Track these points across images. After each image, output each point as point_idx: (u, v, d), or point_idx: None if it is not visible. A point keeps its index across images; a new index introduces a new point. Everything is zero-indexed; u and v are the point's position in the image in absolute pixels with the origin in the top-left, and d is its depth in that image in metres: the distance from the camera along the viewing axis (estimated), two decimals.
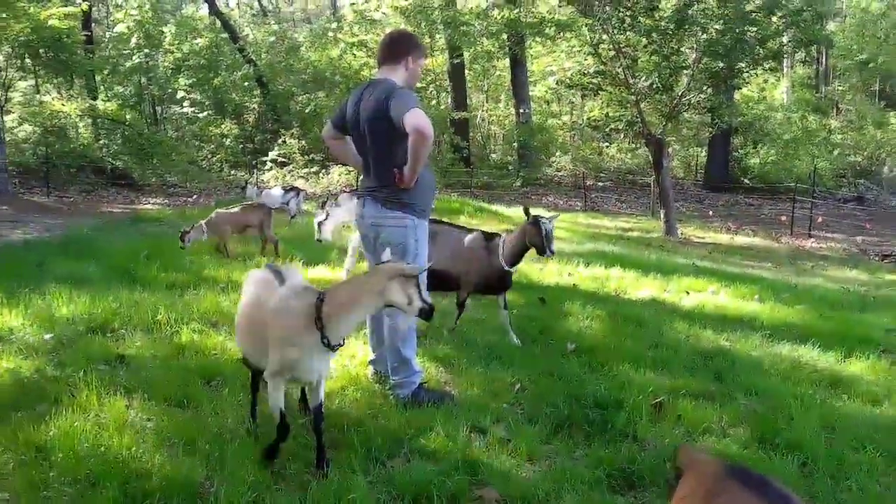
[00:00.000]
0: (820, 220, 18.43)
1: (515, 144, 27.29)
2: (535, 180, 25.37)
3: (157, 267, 8.22)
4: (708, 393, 5.14)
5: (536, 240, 5.72)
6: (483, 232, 6.19)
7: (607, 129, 17.37)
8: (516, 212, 17.22)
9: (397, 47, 4.59)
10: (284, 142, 23.09)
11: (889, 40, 34.32)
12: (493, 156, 29.31)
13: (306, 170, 21.94)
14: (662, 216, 16.09)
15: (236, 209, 10.13)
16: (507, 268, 5.90)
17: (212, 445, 3.95)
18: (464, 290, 6.11)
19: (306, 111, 23.78)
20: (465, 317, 6.72)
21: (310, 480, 3.66)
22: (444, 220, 6.90)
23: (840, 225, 19.04)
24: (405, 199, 4.57)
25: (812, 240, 16.58)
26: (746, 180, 25.23)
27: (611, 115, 17.04)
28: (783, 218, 18.65)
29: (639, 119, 16.06)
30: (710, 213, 20.77)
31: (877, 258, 14.56)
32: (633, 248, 13.18)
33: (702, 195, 24.55)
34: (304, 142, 23.29)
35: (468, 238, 6.06)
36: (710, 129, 22.89)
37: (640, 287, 8.79)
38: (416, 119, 4.13)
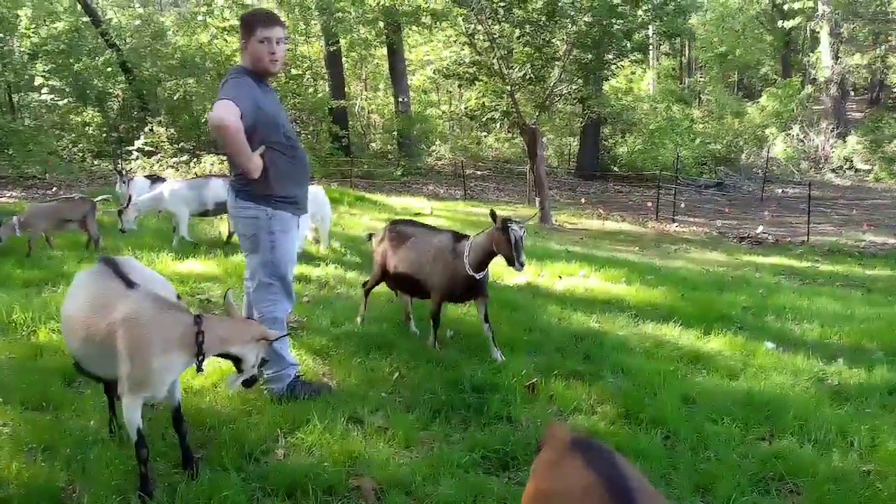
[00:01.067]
0: (683, 205, 19.50)
1: (395, 133, 27.28)
2: (415, 169, 25.46)
3: (11, 264, 7.70)
4: (578, 373, 5.34)
5: (504, 248, 5.11)
6: (454, 233, 5.69)
7: (484, 119, 17.61)
8: (398, 201, 17.26)
9: (241, 30, 4.44)
10: (152, 130, 22.08)
11: (746, 33, 36.65)
12: (373, 145, 29.19)
13: (175, 159, 21.07)
14: (538, 204, 16.53)
15: (55, 203, 9.28)
16: (471, 272, 5.29)
17: (73, 449, 3.76)
18: (434, 298, 5.57)
19: (174, 98, 22.80)
20: (346, 306, 6.68)
21: (179, 481, 3.55)
22: (424, 223, 6.39)
23: (702, 210, 20.18)
24: (256, 189, 4.38)
25: (676, 224, 17.48)
26: (616, 168, 26.33)
27: (487, 104, 17.32)
28: (649, 204, 19.56)
29: (514, 109, 16.41)
30: (583, 200, 21.52)
31: (735, 240, 15.53)
32: None
33: (574, 183, 25.40)
34: (172, 130, 22.35)
35: (436, 239, 5.63)
36: (581, 119, 23.72)
37: (515, 273, 8.97)
38: (212, 112, 4.01)
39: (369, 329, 6.04)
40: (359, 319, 6.17)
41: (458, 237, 5.54)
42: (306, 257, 8.64)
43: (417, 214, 15.49)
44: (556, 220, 16.68)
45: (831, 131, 28.67)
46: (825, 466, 4.00)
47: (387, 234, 5.93)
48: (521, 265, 5.12)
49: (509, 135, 28.01)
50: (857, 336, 6.75)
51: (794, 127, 28.74)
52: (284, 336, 4.36)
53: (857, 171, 27.67)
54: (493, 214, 5.19)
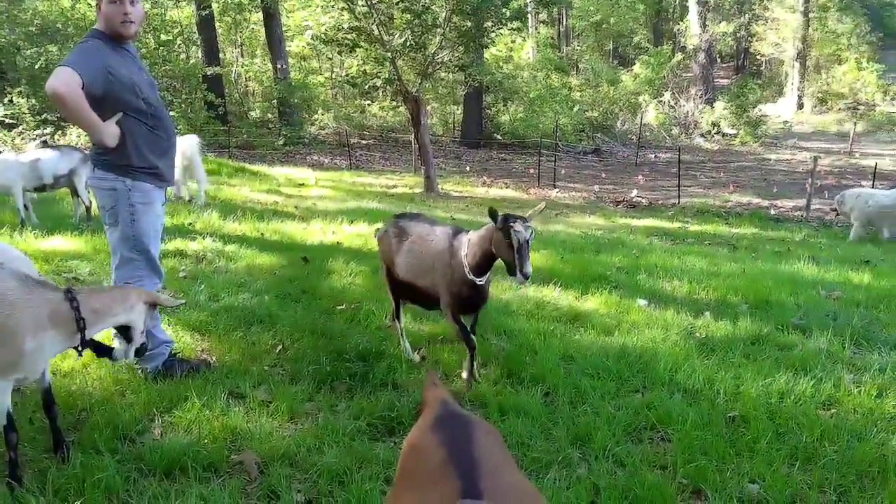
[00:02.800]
0: (563, 171, 20.03)
1: (275, 102, 26.54)
2: (297, 139, 24.90)
3: None
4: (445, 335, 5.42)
5: (504, 253, 4.11)
6: (454, 227, 4.68)
7: (366, 87, 17.40)
8: (280, 172, 16.87)
9: None
10: (11, 101, 20.56)
11: (620, 3, 37.73)
12: (252, 114, 28.29)
13: (39, 131, 19.73)
14: (424, 172, 16.56)
15: None
16: (470, 276, 4.35)
17: None
18: (446, 311, 4.56)
19: (35, 67, 21.28)
20: (225, 280, 6.49)
21: (49, 466, 3.37)
22: (429, 216, 5.21)
23: (580, 176, 20.80)
24: (114, 159, 4.15)
25: (556, 190, 17.95)
26: (499, 136, 26.66)
27: (369, 72, 17.10)
28: (531, 171, 19.97)
29: (396, 77, 16.28)
30: (468, 167, 21.73)
31: (611, 204, 16.11)
32: (397, 205, 13.45)
33: (459, 151, 25.59)
34: (34, 100, 20.89)
35: (435, 235, 4.65)
36: (464, 87, 23.84)
37: None
38: (49, 81, 3.75)
39: (250, 303, 5.90)
40: (411, 355, 5.01)
41: (455, 233, 4.58)
42: (182, 231, 8.32)
43: (301, 185, 15.21)
44: (441, 188, 16.77)
45: (700, 97, 30.06)
46: (693, 414, 4.23)
47: (389, 232, 4.94)
48: (526, 276, 4.04)
49: (393, 103, 27.80)
50: (723, 291, 7.16)
51: (666, 94, 29.95)
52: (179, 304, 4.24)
53: (724, 135, 29.16)
54: (492, 213, 4.11)
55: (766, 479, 3.57)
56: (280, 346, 5.04)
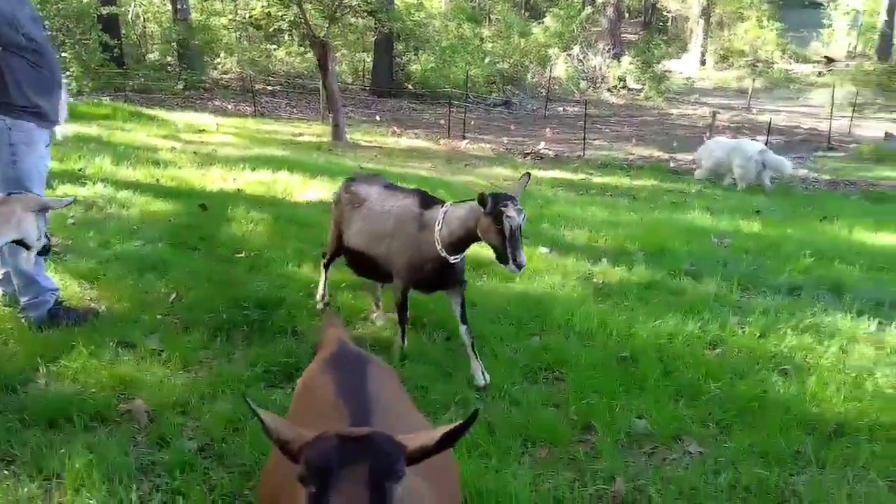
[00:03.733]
0: (473, 122, 20.03)
1: (174, 44, 25.35)
2: (199, 83, 23.92)
3: None
4: (366, 284, 5.37)
5: (493, 239, 3.72)
6: (421, 195, 4.21)
7: (271, 30, 16.80)
8: (180, 117, 16.20)
9: None
10: None
11: None
12: (151, 56, 26.93)
13: None
14: (332, 120, 16.23)
15: None
16: (443, 254, 3.94)
17: None
18: (397, 283, 4.19)
19: None
20: (117, 227, 6.23)
21: None
22: (389, 181, 4.77)
23: (490, 127, 20.85)
24: None
25: (467, 141, 17.94)
26: (410, 86, 26.39)
27: (273, 14, 16.50)
28: (442, 121, 19.88)
29: (302, 20, 15.79)
30: (378, 117, 21.45)
31: (520, 156, 16.24)
32: (303, 153, 13.17)
33: (370, 100, 25.19)
34: None
35: (396, 203, 4.19)
36: (374, 33, 23.37)
37: (306, 189, 8.84)
38: None
39: (143, 250, 5.69)
40: (318, 302, 4.90)
41: (428, 201, 4.12)
42: (72, 177, 7.91)
43: (202, 131, 14.68)
44: (350, 138, 16.50)
45: (608, 52, 30.48)
46: (587, 355, 4.36)
47: (341, 195, 4.58)
48: (519, 265, 3.71)
49: (300, 48, 27.01)
50: (621, 240, 7.36)
51: (575, 47, 30.21)
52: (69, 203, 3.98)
53: (630, 90, 29.75)
54: (482, 199, 3.65)
55: (652, 415, 3.73)
56: (174, 295, 4.89)
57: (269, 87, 25.48)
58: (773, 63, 34.40)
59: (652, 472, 3.29)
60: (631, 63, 30.06)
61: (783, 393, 4.03)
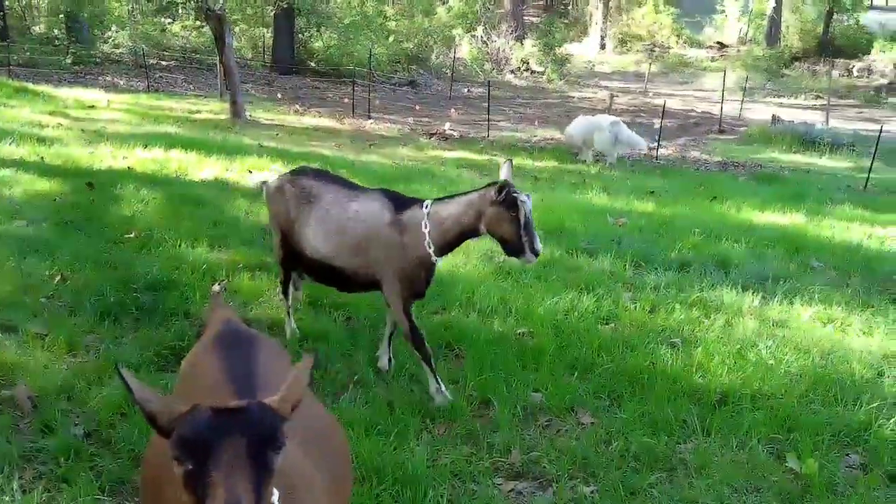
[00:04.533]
0: (377, 102, 19.83)
1: (62, 16, 23.96)
2: (89, 58, 22.71)
3: None
4: (265, 265, 5.27)
5: (506, 229, 3.44)
6: (387, 194, 3.78)
7: (165, 2, 16.11)
8: (69, 93, 15.35)
9: None
10: None
11: None
12: (37, 28, 25.41)
13: None
14: (229, 97, 15.74)
15: None
16: (434, 257, 3.62)
17: None
18: (395, 302, 3.70)
19: None
20: None
21: None
22: (338, 176, 4.30)
23: (395, 107, 20.70)
24: None
25: (371, 121, 17.76)
26: (312, 63, 25.86)
27: None
28: (346, 100, 19.60)
29: None
30: (279, 95, 20.94)
31: (425, 136, 16.21)
32: (199, 130, 12.73)
33: (270, 77, 24.53)
34: None
35: (359, 205, 3.72)
36: (273, 8, 22.77)
37: (202, 168, 8.56)
38: None
39: (25, 231, 5.39)
40: (287, 330, 4.29)
41: (401, 202, 3.71)
42: None
43: (91, 107, 13.97)
44: (250, 115, 16.05)
45: (511, 34, 30.74)
46: (486, 331, 4.42)
47: (287, 190, 3.94)
48: (537, 253, 3.47)
49: (197, 23, 26.03)
50: None
51: (479, 28, 30.32)
52: None
53: (532, 72, 30.13)
54: (502, 187, 3.40)
55: (548, 388, 3.82)
56: (59, 277, 4.66)
57: (163, 63, 24.46)
58: (668, 48, 35.54)
59: (546, 443, 3.38)
60: (533, 46, 30.44)
61: (671, 365, 4.19)
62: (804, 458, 3.27)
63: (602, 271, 5.80)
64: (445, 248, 3.63)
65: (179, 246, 5.44)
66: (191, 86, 21.67)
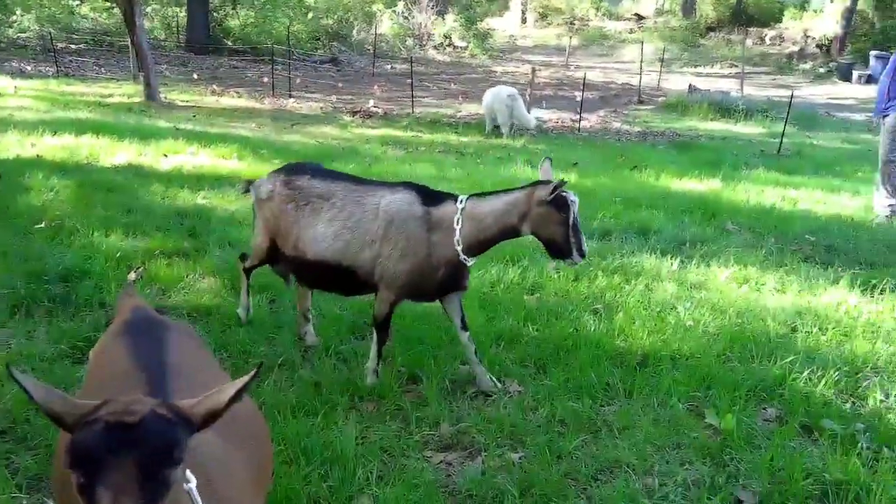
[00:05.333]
0: (298, 80, 19.48)
1: None
2: None
3: None
4: (183, 250, 5.14)
5: (554, 230, 3.31)
6: (416, 188, 3.55)
7: None
8: None
9: None
10: None
11: None
12: None
13: None
14: (143, 80, 15.21)
15: None
16: (462, 257, 3.42)
17: None
18: (386, 295, 3.52)
19: None
20: None
21: None
22: (342, 172, 4.11)
23: (317, 85, 20.37)
24: None
25: (292, 100, 17.44)
26: (229, 42, 25.19)
27: None
28: (265, 79, 19.19)
29: None
30: (195, 76, 20.33)
31: (348, 114, 16.02)
32: (112, 115, 12.26)
33: (186, 58, 23.79)
34: None
35: (385, 199, 3.47)
36: None
37: (114, 153, 8.26)
38: None
39: None
40: (241, 312, 4.14)
41: (432, 196, 3.50)
42: None
43: None
44: (165, 97, 15.56)
45: (432, 9, 30.58)
46: (413, 308, 4.38)
47: (279, 189, 3.66)
48: (584, 255, 3.35)
49: (106, 3, 25.01)
50: None
51: (399, 4, 30.06)
52: None
53: (455, 47, 30.09)
54: (554, 187, 3.24)
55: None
56: None
57: (73, 46, 23.45)
58: (588, 21, 35.97)
59: (475, 414, 3.41)
60: (455, 20, 30.36)
61: (595, 330, 4.28)
62: (722, 413, 3.39)
63: (527, 243, 5.85)
64: (478, 247, 3.43)
65: (92, 234, 5.25)
66: (102, 69, 20.86)
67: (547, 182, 3.30)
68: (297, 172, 3.69)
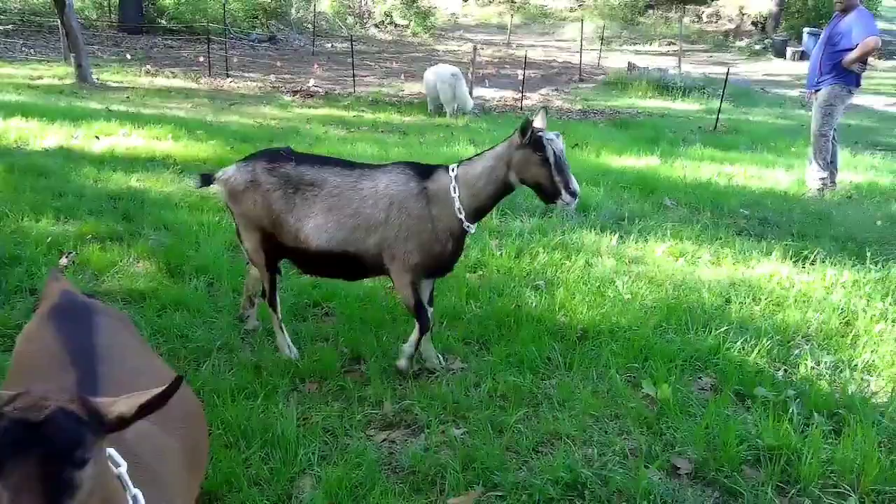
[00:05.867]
0: (236, 60, 19.08)
1: None
2: None
3: None
4: (116, 234, 5.02)
5: (536, 172, 3.25)
6: (410, 165, 3.52)
7: None
8: None
9: None
10: None
11: None
12: None
13: None
14: (74, 61, 14.69)
15: None
16: (466, 224, 3.41)
17: None
18: (403, 279, 3.45)
19: None
20: None
21: None
22: (321, 155, 3.90)
23: (255, 65, 19.98)
24: None
25: (230, 79, 17.08)
26: (163, 21, 24.49)
27: None
28: (201, 59, 18.75)
29: None
30: (129, 56, 19.74)
31: (289, 94, 15.77)
32: (41, 97, 11.84)
33: (119, 38, 23.05)
34: None
35: (382, 181, 3.42)
36: None
37: (44, 136, 7.97)
38: None
39: None
40: (285, 351, 3.68)
41: (424, 170, 3.47)
42: None
43: None
44: (97, 78, 15.07)
45: None
46: (356, 287, 4.38)
47: (262, 178, 3.44)
48: (574, 193, 3.21)
49: None
50: None
51: None
52: None
53: (397, 25, 29.84)
54: (525, 126, 3.22)
55: None
56: None
57: (0, 27, 22.51)
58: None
59: (418, 392, 3.42)
60: None
61: (536, 306, 4.32)
62: (659, 383, 3.47)
63: None
64: (479, 211, 3.42)
65: (22, 220, 5.08)
66: (32, 50, 20.08)
67: (527, 125, 3.24)
68: (279, 159, 3.50)
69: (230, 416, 3.04)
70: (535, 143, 3.19)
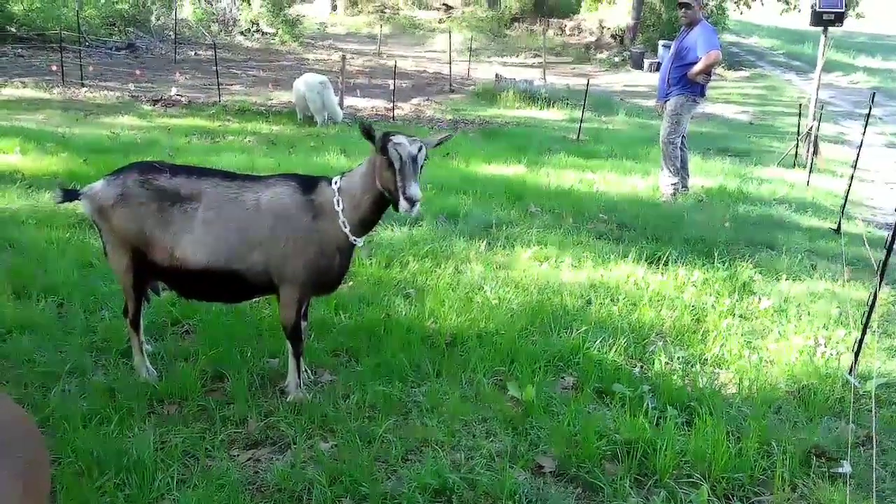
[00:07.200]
0: (91, 68, 18.12)
1: None
2: None
3: None
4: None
5: (388, 178, 3.10)
6: (294, 178, 3.38)
7: None
8: None
9: None
10: None
11: None
12: None
13: None
14: None
15: None
16: (352, 238, 3.29)
17: None
18: (290, 298, 3.30)
19: None
20: None
21: None
22: (194, 166, 3.62)
23: (113, 73, 19.04)
24: None
25: (86, 89, 16.18)
26: (12, 28, 22.93)
27: None
28: (54, 68, 17.68)
29: None
30: None
31: (149, 103, 15.13)
32: None
33: None
34: None
35: (264, 194, 3.25)
36: None
37: None
38: None
39: None
40: (143, 373, 3.50)
41: (307, 183, 3.34)
42: None
43: None
44: None
45: None
46: (217, 304, 4.24)
47: (134, 192, 3.23)
48: (411, 201, 3.04)
49: None
50: None
51: None
52: None
53: (264, 34, 29.25)
54: (366, 130, 3.16)
55: (284, 353, 3.77)
56: None
57: None
58: (398, 10, 36.27)
59: (285, 407, 3.34)
60: (262, 6, 29.52)
61: (406, 315, 4.34)
62: (523, 385, 3.56)
63: None
64: (364, 223, 3.29)
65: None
66: None
67: (385, 134, 3.15)
68: (152, 171, 3.29)
69: (81, 442, 2.86)
70: (382, 147, 3.10)
